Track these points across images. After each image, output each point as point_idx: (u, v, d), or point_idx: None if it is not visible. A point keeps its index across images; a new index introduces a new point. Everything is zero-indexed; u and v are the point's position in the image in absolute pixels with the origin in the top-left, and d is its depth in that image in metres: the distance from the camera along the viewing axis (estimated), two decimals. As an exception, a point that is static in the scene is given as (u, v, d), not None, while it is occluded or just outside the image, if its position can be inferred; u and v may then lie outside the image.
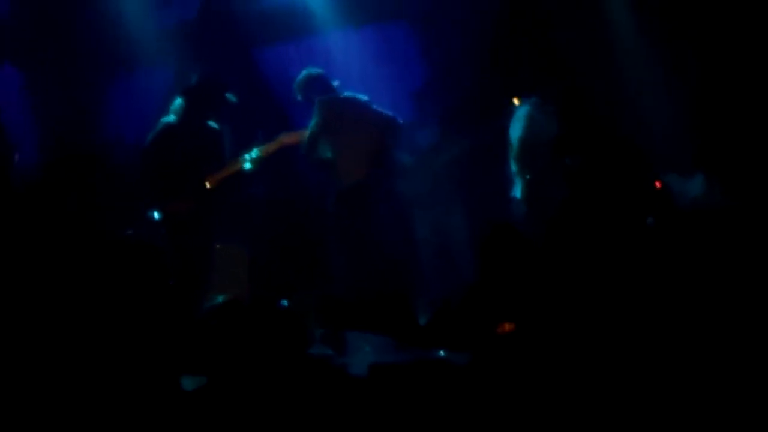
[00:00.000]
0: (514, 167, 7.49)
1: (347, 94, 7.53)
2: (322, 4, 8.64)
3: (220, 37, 8.62)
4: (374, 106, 7.52)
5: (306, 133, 7.18)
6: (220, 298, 4.85)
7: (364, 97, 7.53)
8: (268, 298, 5.32)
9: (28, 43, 8.42)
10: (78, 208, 7.68)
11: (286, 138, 6.94)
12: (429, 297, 7.29)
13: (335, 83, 7.53)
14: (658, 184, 7.36)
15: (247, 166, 6.82)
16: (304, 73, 7.57)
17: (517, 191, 7.42)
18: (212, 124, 7.07)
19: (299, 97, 7.50)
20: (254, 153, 6.80)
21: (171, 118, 7.07)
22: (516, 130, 7.44)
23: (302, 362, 4.15)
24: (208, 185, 6.82)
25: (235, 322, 4.40)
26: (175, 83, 7.60)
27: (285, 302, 5.51)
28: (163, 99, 7.95)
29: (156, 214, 6.97)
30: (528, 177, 7.40)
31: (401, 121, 7.64)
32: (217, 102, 7.01)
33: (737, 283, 4.66)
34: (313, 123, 7.27)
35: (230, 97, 7.11)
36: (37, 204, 7.53)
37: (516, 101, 7.58)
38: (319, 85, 7.46)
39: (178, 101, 7.06)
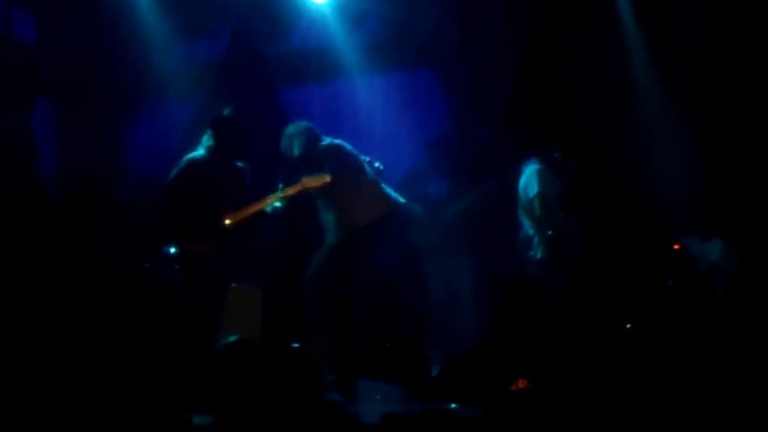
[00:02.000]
0: (531, 225, 7.40)
1: (336, 141, 7.47)
2: (349, 49, 8.69)
3: (246, 76, 8.64)
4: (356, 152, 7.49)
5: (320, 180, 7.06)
6: (232, 338, 4.81)
7: (348, 145, 7.49)
8: (281, 341, 5.29)
9: (56, 75, 8.48)
10: (96, 235, 7.69)
11: (309, 181, 6.92)
12: (440, 347, 7.23)
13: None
14: (676, 246, 7.34)
15: (273, 207, 6.83)
16: (294, 125, 7.50)
17: (538, 251, 7.32)
18: (237, 162, 7.09)
19: (295, 151, 7.38)
20: (277, 194, 6.81)
21: (196, 154, 7.08)
22: (531, 187, 7.38)
23: (312, 407, 4.12)
24: (228, 223, 6.81)
25: (246, 363, 4.38)
26: (200, 119, 7.60)
27: (297, 345, 5.48)
28: (186, 134, 7.98)
29: (172, 249, 6.96)
30: (549, 233, 7.31)
31: (378, 165, 7.59)
32: (243, 140, 7.03)
33: (756, 347, 4.64)
34: (326, 168, 7.17)
35: (256, 135, 7.13)
36: (56, 230, 7.56)
37: (525, 157, 7.53)
38: (312, 135, 7.40)
39: (205, 138, 7.08)
